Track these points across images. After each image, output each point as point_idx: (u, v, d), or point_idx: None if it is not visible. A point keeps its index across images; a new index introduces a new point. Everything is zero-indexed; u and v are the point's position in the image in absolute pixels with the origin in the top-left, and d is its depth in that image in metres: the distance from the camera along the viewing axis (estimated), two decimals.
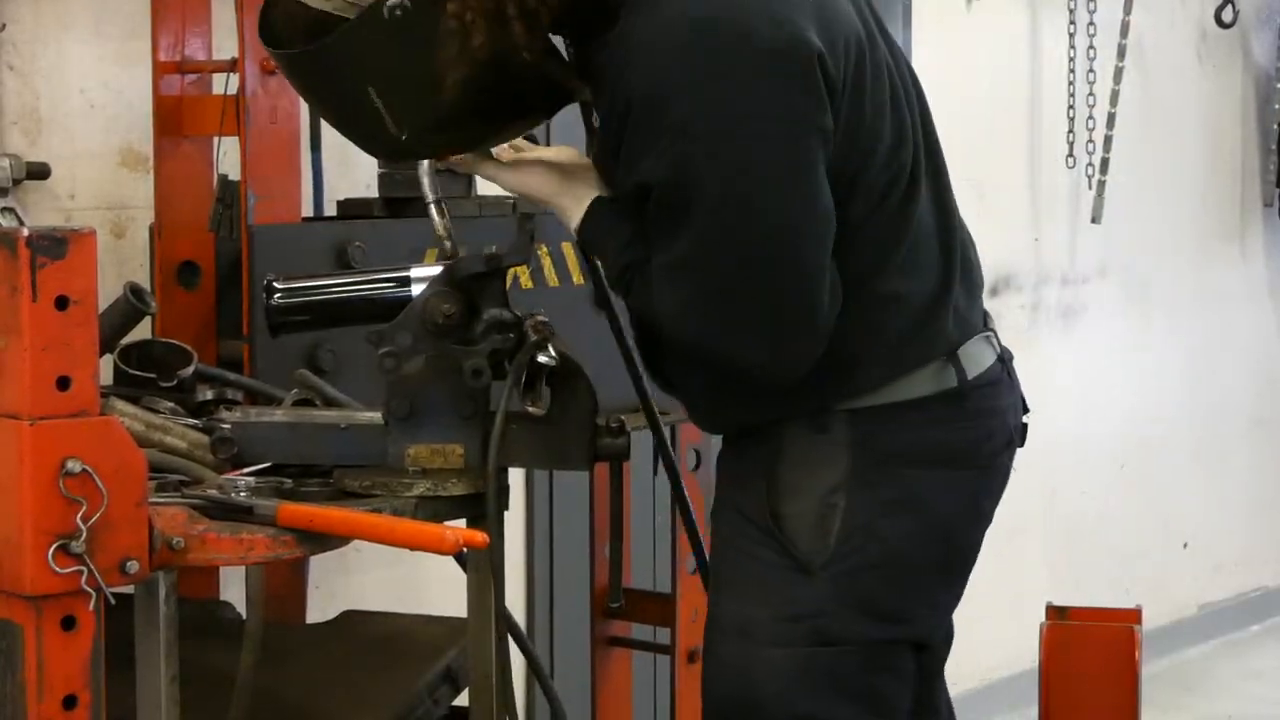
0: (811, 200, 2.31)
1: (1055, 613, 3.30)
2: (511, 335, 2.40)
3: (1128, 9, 5.78)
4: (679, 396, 2.61)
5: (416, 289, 2.44)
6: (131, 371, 2.71)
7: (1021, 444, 2.59)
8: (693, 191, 2.28)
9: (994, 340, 2.55)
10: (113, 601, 2.05)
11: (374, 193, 3.38)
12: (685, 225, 2.30)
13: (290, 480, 2.35)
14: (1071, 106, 5.73)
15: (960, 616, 2.64)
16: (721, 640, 2.48)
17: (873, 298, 2.40)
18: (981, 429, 2.49)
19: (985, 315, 2.59)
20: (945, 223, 2.50)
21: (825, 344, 2.35)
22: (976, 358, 2.49)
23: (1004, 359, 2.56)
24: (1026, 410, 2.61)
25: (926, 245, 2.46)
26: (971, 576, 2.59)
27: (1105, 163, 5.75)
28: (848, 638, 2.42)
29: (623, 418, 2.43)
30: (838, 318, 2.35)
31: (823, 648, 2.41)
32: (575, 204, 2.46)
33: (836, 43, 2.31)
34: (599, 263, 2.53)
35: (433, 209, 2.51)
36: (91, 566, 2.01)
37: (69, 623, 2.02)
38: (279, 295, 2.51)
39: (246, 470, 2.37)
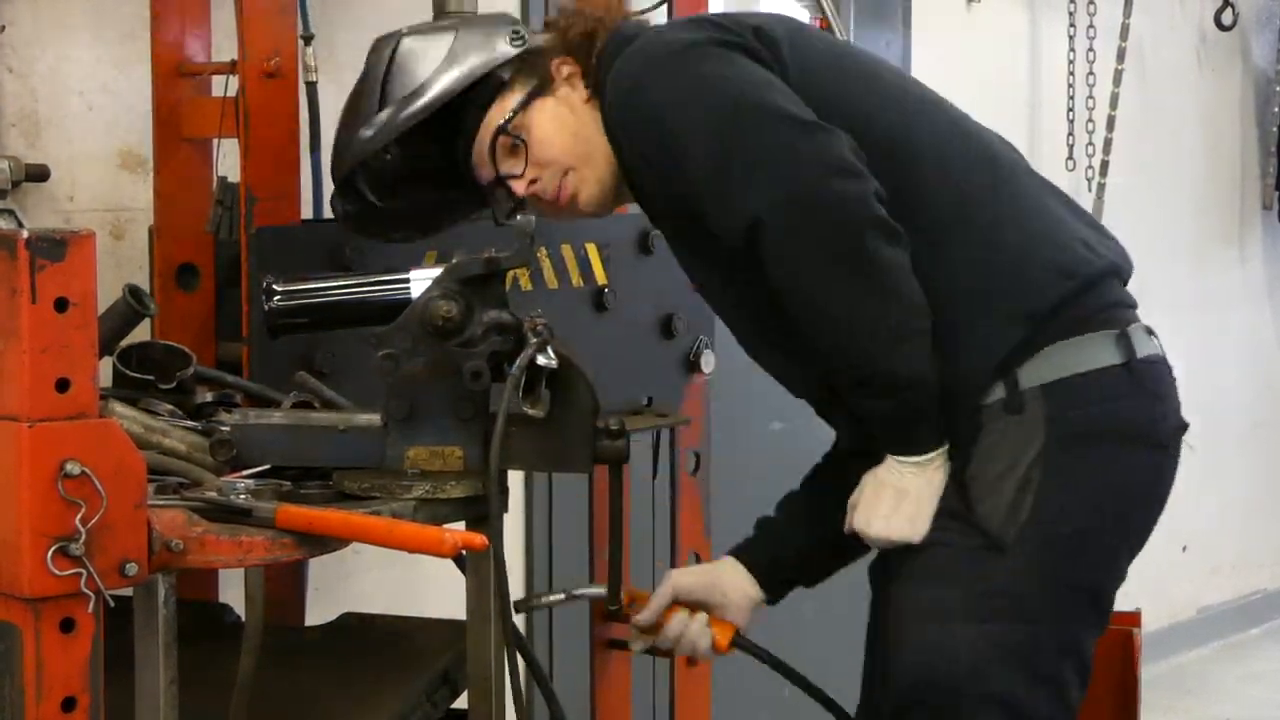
0: (758, 77, 2.48)
1: None
2: (511, 337, 2.41)
3: (1127, 11, 5.78)
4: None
5: (416, 291, 2.44)
6: (130, 374, 2.70)
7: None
8: (680, 137, 2.47)
9: (1156, 338, 2.63)
10: (111, 604, 2.05)
11: None
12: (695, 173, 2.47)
13: (289, 482, 2.35)
14: (1071, 109, 5.73)
15: None
16: (913, 626, 2.51)
17: (979, 226, 2.54)
18: (1157, 408, 2.58)
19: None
20: (1059, 193, 2.71)
21: (867, 181, 2.41)
22: (1143, 342, 2.58)
23: (1165, 360, 2.64)
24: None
25: (1039, 193, 2.65)
26: None
27: (1105, 165, 5.75)
28: (1042, 615, 2.47)
29: (622, 419, 2.43)
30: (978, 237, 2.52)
31: (1017, 624, 2.46)
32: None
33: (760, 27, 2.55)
34: None
35: None
36: (90, 569, 2.01)
37: (68, 625, 2.02)
38: (278, 297, 2.51)
39: (245, 472, 2.37)
